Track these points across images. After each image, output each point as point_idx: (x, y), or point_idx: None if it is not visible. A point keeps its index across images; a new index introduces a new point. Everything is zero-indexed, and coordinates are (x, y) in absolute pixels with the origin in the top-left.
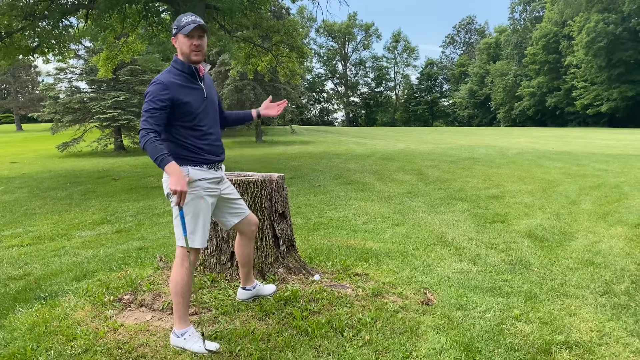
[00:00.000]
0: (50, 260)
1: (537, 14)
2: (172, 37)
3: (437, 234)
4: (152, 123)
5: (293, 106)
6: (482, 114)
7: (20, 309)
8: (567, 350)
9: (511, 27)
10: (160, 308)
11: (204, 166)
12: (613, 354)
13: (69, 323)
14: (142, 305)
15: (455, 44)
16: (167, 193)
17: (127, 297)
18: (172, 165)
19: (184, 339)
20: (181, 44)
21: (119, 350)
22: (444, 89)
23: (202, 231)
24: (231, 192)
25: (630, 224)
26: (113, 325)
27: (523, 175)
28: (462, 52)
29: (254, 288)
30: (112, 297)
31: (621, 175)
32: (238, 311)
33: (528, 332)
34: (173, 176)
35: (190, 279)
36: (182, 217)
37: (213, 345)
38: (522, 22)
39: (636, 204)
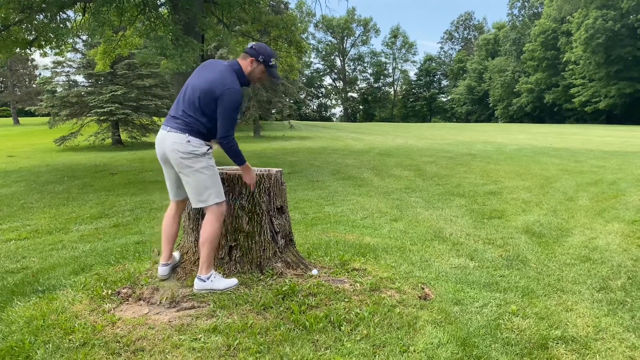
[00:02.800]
0: (48, 253)
1: (535, 10)
2: (252, 58)
3: (434, 229)
4: (234, 127)
5: (291, 101)
6: (480, 110)
7: (18, 303)
8: (563, 345)
9: (510, 23)
10: (158, 302)
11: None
12: (609, 349)
13: (66, 316)
14: (140, 299)
15: (453, 40)
16: (183, 156)
17: (125, 290)
18: (248, 165)
19: (211, 280)
20: (256, 70)
21: (117, 344)
22: (442, 85)
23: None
24: None
25: (627, 220)
26: (111, 318)
27: (521, 171)
28: (460, 48)
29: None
30: (110, 291)
31: (618, 171)
32: (236, 305)
33: (525, 327)
34: (251, 172)
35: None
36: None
37: (234, 281)
38: (520, 19)
39: (633, 200)
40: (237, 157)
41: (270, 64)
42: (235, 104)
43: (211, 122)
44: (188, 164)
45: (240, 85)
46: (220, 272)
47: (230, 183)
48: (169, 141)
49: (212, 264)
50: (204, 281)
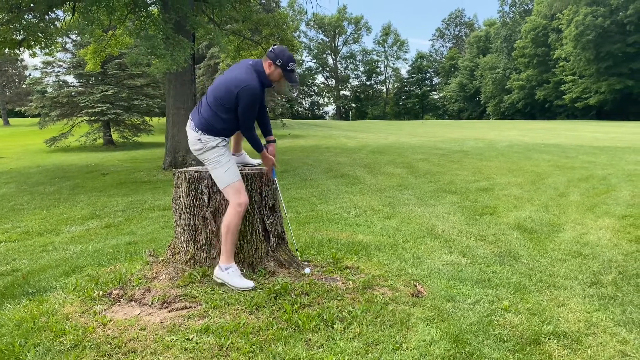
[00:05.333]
0: (38, 255)
1: (526, 7)
2: (270, 61)
3: (427, 226)
4: (253, 120)
5: (283, 100)
6: (472, 107)
7: (8, 305)
8: (555, 341)
9: (500, 20)
10: (150, 303)
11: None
12: (600, 343)
13: (57, 319)
14: (131, 300)
15: (444, 37)
16: (197, 151)
17: (116, 292)
18: (265, 152)
19: (227, 273)
20: (275, 73)
21: (109, 346)
22: (434, 83)
23: None
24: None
25: (618, 216)
26: (102, 320)
27: (512, 167)
28: (451, 45)
29: None
30: (101, 292)
31: (609, 167)
32: (228, 305)
33: (517, 323)
34: (267, 158)
35: (240, 221)
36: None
37: (250, 284)
38: (511, 15)
39: (623, 195)
40: (256, 146)
41: (288, 68)
42: (251, 101)
43: (235, 117)
44: (203, 157)
45: (260, 84)
46: (242, 269)
47: (245, 181)
48: (189, 137)
49: (230, 255)
50: (222, 270)
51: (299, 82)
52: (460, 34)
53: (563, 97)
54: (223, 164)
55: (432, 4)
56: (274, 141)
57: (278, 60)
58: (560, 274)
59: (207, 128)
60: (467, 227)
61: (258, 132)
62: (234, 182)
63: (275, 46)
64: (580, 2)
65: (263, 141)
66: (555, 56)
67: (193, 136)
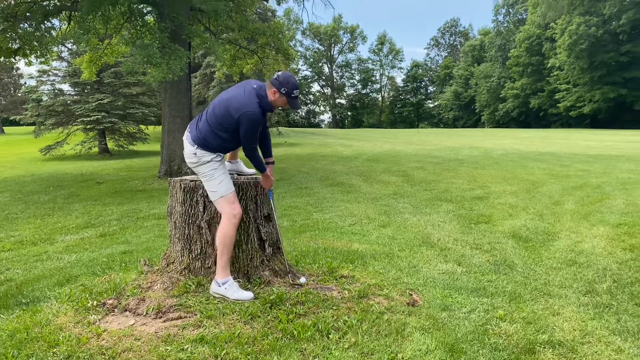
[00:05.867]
0: (32, 265)
1: (520, 17)
2: (274, 88)
3: (422, 235)
4: (255, 143)
5: (279, 108)
6: (467, 115)
7: (1, 315)
8: (550, 350)
9: (495, 29)
10: (144, 313)
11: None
12: (595, 352)
13: (51, 329)
14: (126, 310)
15: (439, 46)
16: (191, 164)
17: (110, 301)
18: (267, 173)
19: (225, 287)
20: (278, 100)
21: (102, 356)
22: (429, 91)
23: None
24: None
25: (612, 224)
26: (96, 330)
27: (507, 176)
28: (446, 54)
29: None
30: (95, 302)
31: (603, 175)
32: (223, 315)
33: (512, 332)
34: (268, 179)
35: (235, 233)
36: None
37: (249, 295)
38: (505, 25)
39: (617, 203)
40: (258, 167)
41: (293, 95)
42: (252, 127)
43: (232, 137)
44: (197, 170)
45: (261, 110)
46: (239, 282)
47: (240, 190)
48: (184, 148)
49: (226, 268)
50: (219, 285)
51: (300, 107)
52: (455, 43)
53: (557, 105)
54: (216, 177)
55: (427, 13)
56: (273, 163)
57: (283, 89)
58: (555, 282)
59: (203, 144)
60: (462, 236)
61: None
62: (227, 194)
63: (280, 73)
64: (574, 12)
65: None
66: (549, 65)
67: (189, 149)
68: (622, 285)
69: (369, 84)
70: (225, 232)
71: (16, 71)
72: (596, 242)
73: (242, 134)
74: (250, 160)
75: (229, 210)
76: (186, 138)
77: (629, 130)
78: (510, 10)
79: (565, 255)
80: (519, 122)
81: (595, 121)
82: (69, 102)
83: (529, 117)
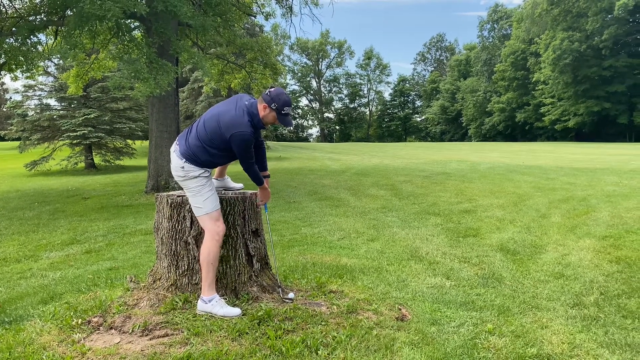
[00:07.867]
0: (15, 282)
1: (505, 32)
2: (265, 104)
3: (411, 249)
4: (251, 159)
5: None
6: (453, 129)
7: None
8: None
9: (480, 44)
10: (130, 330)
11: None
12: None
13: (34, 348)
14: (111, 328)
15: (426, 61)
16: (178, 177)
17: (95, 319)
18: (264, 186)
19: (212, 305)
20: (268, 116)
21: None
22: (416, 105)
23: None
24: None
25: (598, 236)
26: (81, 349)
27: (494, 189)
28: (433, 69)
29: None
30: (80, 320)
31: (588, 188)
32: (210, 332)
33: (501, 346)
34: (265, 191)
35: (219, 250)
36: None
37: (236, 311)
38: (490, 40)
39: (603, 216)
40: (256, 180)
41: (283, 112)
42: (244, 146)
43: (221, 153)
44: (183, 185)
45: (252, 127)
46: (226, 299)
47: (228, 205)
48: (172, 162)
49: (212, 285)
50: (206, 303)
51: (292, 124)
52: (441, 57)
53: (543, 119)
54: (203, 193)
55: (413, 29)
56: (268, 176)
57: (273, 104)
58: (543, 295)
59: (192, 158)
60: (450, 249)
61: None
62: (212, 211)
63: (272, 89)
64: (557, 27)
65: None
66: (534, 79)
67: (176, 163)
68: (609, 298)
69: (357, 98)
70: (209, 249)
71: (1, 86)
72: (583, 254)
73: (237, 153)
74: (248, 175)
75: (212, 228)
76: (174, 151)
77: (613, 143)
78: (495, 25)
79: (553, 268)
80: (505, 136)
81: (580, 134)
82: (55, 117)
83: (515, 131)
